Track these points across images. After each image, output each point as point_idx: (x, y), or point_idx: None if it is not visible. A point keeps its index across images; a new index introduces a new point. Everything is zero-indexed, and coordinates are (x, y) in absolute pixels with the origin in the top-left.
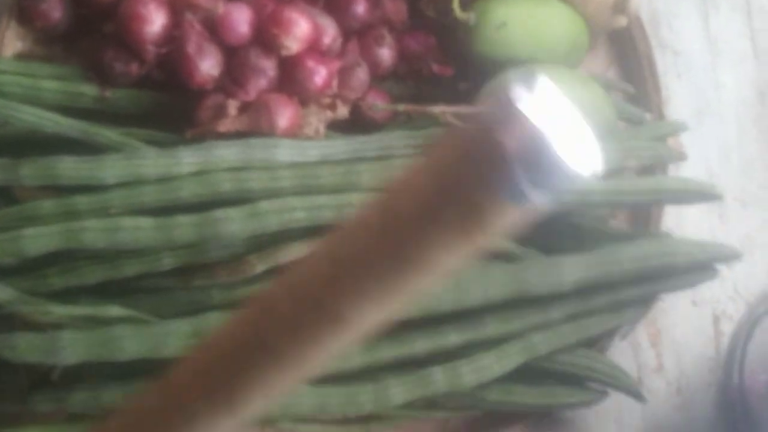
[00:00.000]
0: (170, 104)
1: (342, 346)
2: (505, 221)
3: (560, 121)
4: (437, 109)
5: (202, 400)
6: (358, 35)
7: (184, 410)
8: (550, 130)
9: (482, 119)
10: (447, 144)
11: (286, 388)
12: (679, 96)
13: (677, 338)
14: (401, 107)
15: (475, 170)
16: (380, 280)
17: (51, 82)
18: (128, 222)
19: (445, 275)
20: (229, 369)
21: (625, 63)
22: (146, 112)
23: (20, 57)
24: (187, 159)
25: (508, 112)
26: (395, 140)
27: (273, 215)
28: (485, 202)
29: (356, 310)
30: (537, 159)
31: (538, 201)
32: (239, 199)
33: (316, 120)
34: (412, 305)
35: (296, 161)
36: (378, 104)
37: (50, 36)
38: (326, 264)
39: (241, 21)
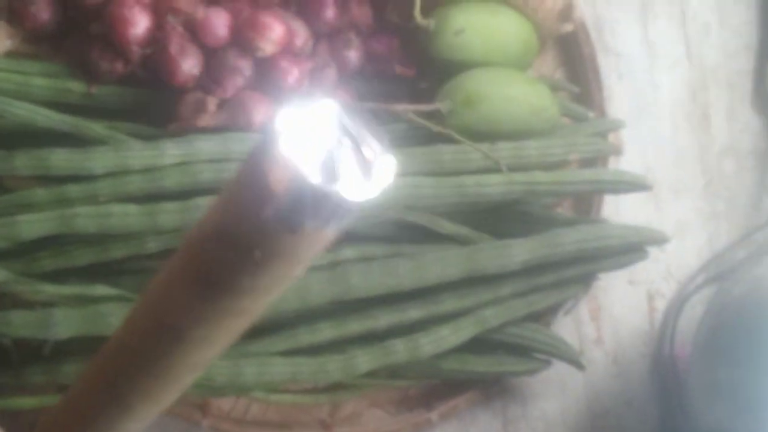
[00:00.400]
0: (153, 100)
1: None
2: (299, 248)
3: (333, 147)
4: (400, 107)
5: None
6: (328, 38)
7: None
8: (312, 165)
9: (253, 155)
10: (235, 180)
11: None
12: (619, 95)
13: (615, 314)
14: (367, 105)
15: (252, 205)
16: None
17: (40, 79)
18: (117, 209)
19: (268, 298)
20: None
21: (571, 65)
22: (130, 108)
23: (9, 54)
24: (170, 151)
25: (270, 149)
26: None
27: None
28: (266, 234)
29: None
30: (300, 195)
31: (317, 230)
32: (218, 188)
33: None
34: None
35: None
36: (346, 102)
37: (38, 35)
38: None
39: (220, 24)
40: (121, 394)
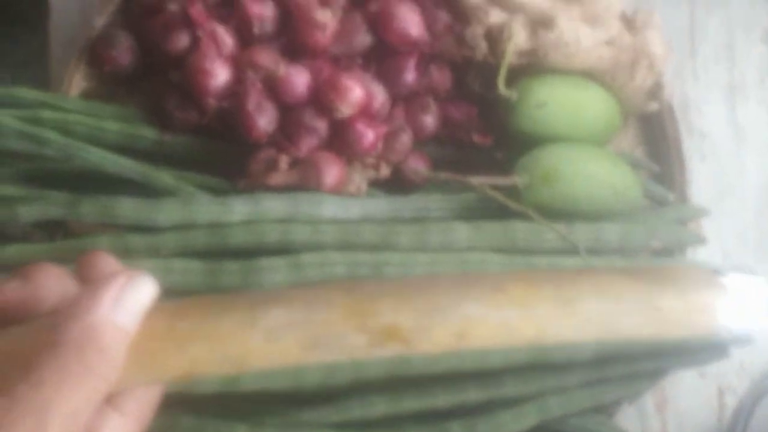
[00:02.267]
0: (225, 153)
1: None
2: None
3: None
4: (475, 180)
5: None
6: (405, 101)
7: None
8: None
9: None
10: None
11: None
12: (702, 178)
13: (682, 408)
14: (442, 175)
15: None
16: None
17: (113, 123)
18: (179, 264)
19: None
20: None
21: (653, 143)
22: (201, 158)
23: (85, 95)
24: (237, 208)
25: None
26: (431, 203)
27: (314, 268)
28: None
29: None
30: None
31: None
32: (283, 249)
33: (359, 178)
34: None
35: (339, 217)
36: (420, 170)
37: (116, 78)
38: None
39: (300, 84)
40: None
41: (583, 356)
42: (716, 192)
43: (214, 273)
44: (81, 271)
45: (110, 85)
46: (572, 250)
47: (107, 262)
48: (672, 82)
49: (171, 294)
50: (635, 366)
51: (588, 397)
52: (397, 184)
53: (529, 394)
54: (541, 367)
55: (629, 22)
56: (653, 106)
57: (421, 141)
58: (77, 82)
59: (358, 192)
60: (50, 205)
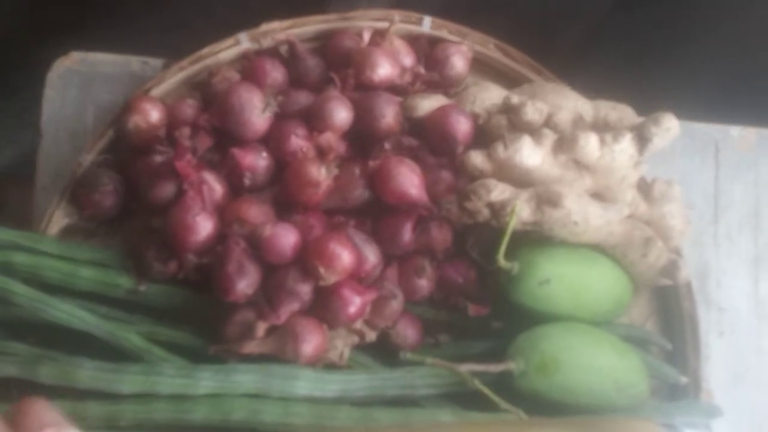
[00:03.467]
0: (200, 305)
1: None
2: None
3: None
4: (465, 368)
5: None
6: (400, 260)
7: None
8: None
9: None
10: None
11: None
12: (718, 356)
13: None
14: (429, 362)
15: None
16: None
17: (88, 270)
18: None
19: None
20: None
21: (667, 316)
22: (177, 309)
23: (65, 231)
24: (204, 381)
25: None
26: (417, 379)
27: None
28: None
29: None
30: None
31: None
32: (250, 430)
33: (342, 344)
34: None
35: (314, 396)
36: (407, 353)
37: (98, 217)
38: None
39: (286, 245)
40: None
41: None
42: (732, 374)
43: None
44: (15, 419)
45: (92, 223)
46: None
47: (43, 412)
48: (690, 250)
49: None
50: None
51: None
52: (384, 348)
53: None
54: None
55: (646, 190)
56: (667, 283)
57: (413, 303)
58: (58, 218)
59: (340, 360)
60: (8, 365)
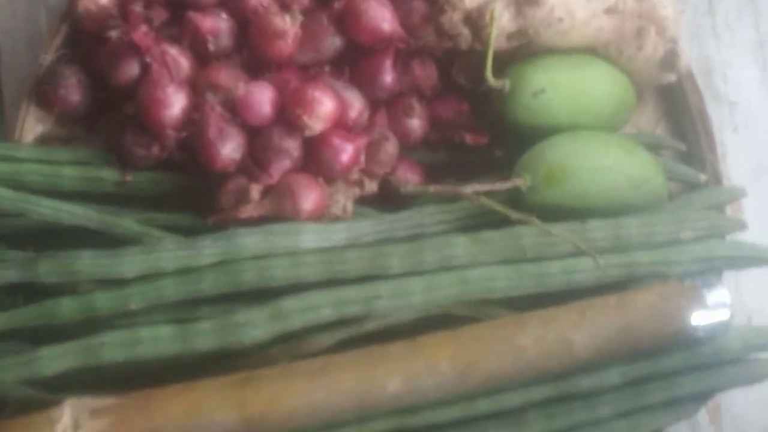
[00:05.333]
0: (192, 186)
1: None
2: None
3: None
4: (469, 188)
5: None
6: (386, 105)
7: None
8: None
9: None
10: None
11: None
12: (736, 151)
13: (738, 414)
14: (432, 189)
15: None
16: None
17: (71, 169)
18: (147, 333)
19: None
20: None
21: (676, 118)
22: (168, 195)
23: (41, 139)
24: (207, 250)
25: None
26: (426, 217)
27: (297, 315)
28: None
29: None
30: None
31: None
32: (261, 290)
33: (344, 198)
34: None
35: (322, 246)
36: (408, 186)
37: (70, 117)
38: None
39: (263, 101)
40: None
41: (610, 380)
42: (753, 167)
43: (186, 338)
44: None
45: (67, 127)
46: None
47: None
48: (688, 44)
49: (146, 364)
50: (674, 389)
51: (625, 428)
52: (387, 198)
53: (557, 429)
54: (566, 398)
55: None
56: (670, 77)
57: (409, 147)
58: (31, 126)
59: (344, 214)
60: (5, 269)
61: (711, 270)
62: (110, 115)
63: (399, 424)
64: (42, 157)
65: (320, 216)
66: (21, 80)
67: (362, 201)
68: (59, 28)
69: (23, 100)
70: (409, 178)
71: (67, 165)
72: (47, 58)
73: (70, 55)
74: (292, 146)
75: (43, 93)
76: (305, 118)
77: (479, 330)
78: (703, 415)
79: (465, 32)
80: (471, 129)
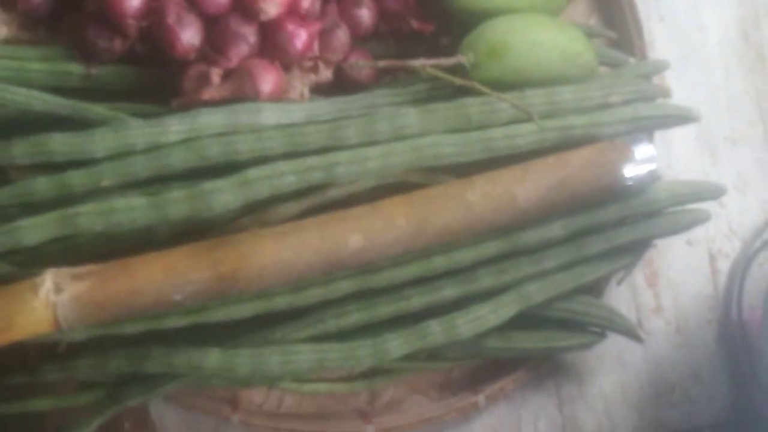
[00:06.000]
0: (155, 77)
1: None
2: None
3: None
4: (418, 62)
5: None
6: None
7: None
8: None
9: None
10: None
11: None
12: (662, 39)
13: (674, 278)
14: (382, 63)
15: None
16: None
17: (38, 64)
18: (121, 203)
19: None
20: None
21: (607, 10)
22: (132, 87)
23: (6, 41)
24: (174, 127)
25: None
26: (379, 98)
27: (263, 182)
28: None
29: None
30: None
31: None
32: (228, 164)
33: (300, 84)
34: None
35: (282, 123)
36: (359, 62)
37: (34, 19)
38: None
39: None
40: None
41: (553, 234)
42: (679, 53)
43: (159, 206)
44: None
45: (30, 29)
46: (527, 118)
47: None
48: None
49: (124, 233)
50: (612, 240)
51: (569, 279)
52: (341, 86)
53: (506, 283)
54: (514, 254)
55: None
56: None
57: (359, 38)
58: None
59: (301, 99)
60: None
61: (640, 130)
62: (72, 15)
63: (362, 284)
64: (8, 54)
65: (278, 100)
66: None
67: (318, 90)
68: None
69: None
70: (360, 62)
71: (34, 61)
72: None
73: None
74: (249, 32)
75: None
76: (260, 2)
77: (432, 191)
78: (641, 279)
79: None
80: (418, 18)
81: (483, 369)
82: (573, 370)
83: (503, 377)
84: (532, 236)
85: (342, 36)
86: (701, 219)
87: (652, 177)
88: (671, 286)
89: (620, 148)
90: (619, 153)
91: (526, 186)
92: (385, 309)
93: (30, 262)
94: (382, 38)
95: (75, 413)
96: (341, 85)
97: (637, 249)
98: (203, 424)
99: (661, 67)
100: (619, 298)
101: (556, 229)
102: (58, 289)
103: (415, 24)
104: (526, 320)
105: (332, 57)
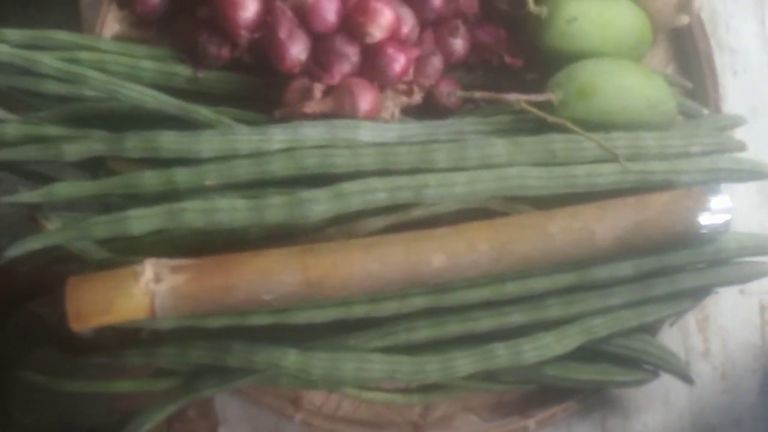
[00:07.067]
0: (259, 86)
1: None
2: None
3: None
4: (512, 96)
5: None
6: (433, 26)
7: None
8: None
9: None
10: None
11: None
12: (734, 94)
13: (724, 325)
14: (477, 95)
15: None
16: None
17: (148, 62)
18: (224, 203)
19: None
20: None
21: (684, 60)
22: (235, 93)
23: (116, 38)
24: (276, 136)
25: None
26: (466, 125)
27: (356, 196)
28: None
29: None
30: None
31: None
32: (323, 175)
33: (393, 104)
34: None
35: (376, 141)
36: (456, 92)
37: (147, 20)
38: None
39: (329, 10)
40: None
41: (624, 272)
42: (749, 107)
43: (259, 210)
44: None
45: (141, 28)
46: (611, 159)
47: None
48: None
49: (220, 231)
50: (677, 284)
51: (632, 317)
52: (429, 110)
53: (572, 315)
54: (583, 288)
55: None
56: (683, 20)
57: (450, 66)
58: (109, 24)
59: (392, 118)
60: (95, 143)
61: (714, 181)
62: (184, 19)
63: (435, 301)
64: (122, 51)
65: (372, 118)
66: None
67: (407, 112)
68: None
69: (103, 1)
70: (451, 90)
71: (145, 59)
72: None
73: None
74: (352, 52)
75: None
76: (368, 26)
77: (514, 219)
78: (693, 323)
79: None
80: (508, 53)
81: (534, 395)
82: (619, 405)
83: (554, 405)
84: (602, 272)
85: (436, 63)
86: (764, 272)
87: (725, 227)
88: (720, 332)
89: (697, 197)
90: (695, 201)
91: (604, 224)
92: (454, 328)
93: (127, 249)
94: (470, 68)
95: (145, 398)
96: (428, 108)
97: (698, 294)
98: (264, 420)
99: (738, 122)
100: (670, 339)
101: (626, 268)
102: (158, 279)
103: (506, 59)
104: (584, 352)
105: (425, 82)
